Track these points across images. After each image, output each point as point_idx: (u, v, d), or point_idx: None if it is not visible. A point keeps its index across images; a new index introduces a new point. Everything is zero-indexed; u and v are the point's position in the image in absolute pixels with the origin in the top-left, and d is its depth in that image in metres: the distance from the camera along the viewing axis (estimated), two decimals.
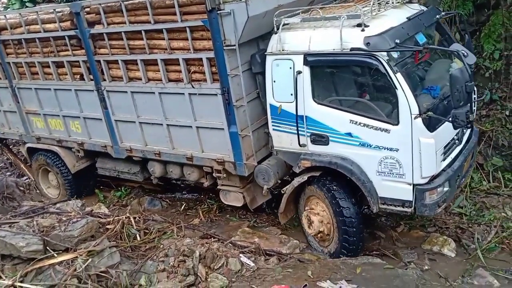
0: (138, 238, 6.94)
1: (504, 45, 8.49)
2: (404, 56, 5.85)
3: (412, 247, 7.04)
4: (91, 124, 8.60)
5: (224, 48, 6.34)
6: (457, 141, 6.41)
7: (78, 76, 8.35)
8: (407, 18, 6.19)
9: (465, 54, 5.24)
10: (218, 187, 7.72)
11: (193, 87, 6.83)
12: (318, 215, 6.72)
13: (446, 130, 5.97)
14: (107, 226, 6.85)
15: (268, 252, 6.82)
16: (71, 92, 8.52)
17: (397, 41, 5.62)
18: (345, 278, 5.54)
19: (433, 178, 5.91)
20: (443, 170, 6.08)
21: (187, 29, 6.60)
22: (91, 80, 8.12)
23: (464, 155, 6.48)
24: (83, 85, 8.28)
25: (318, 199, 6.67)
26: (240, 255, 6.38)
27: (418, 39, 6.21)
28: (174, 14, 6.63)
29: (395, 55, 5.68)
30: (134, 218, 7.27)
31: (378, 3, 6.18)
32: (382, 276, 5.60)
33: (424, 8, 6.74)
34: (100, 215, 7.54)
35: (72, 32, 7.89)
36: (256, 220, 8.38)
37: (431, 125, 5.68)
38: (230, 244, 6.89)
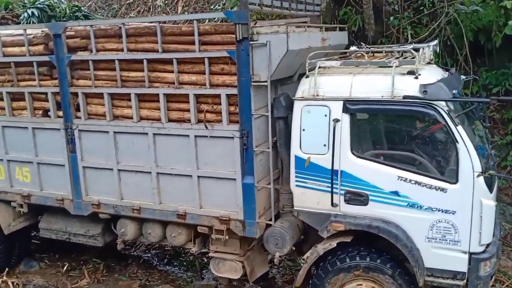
0: None
1: None
2: (459, 110, 5.35)
3: None
4: (47, 171, 7.04)
5: (252, 84, 5.49)
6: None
7: (41, 112, 6.93)
8: (449, 72, 5.81)
9: None
10: (210, 254, 6.43)
11: (207, 128, 5.76)
12: None
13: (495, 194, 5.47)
14: None
15: None
16: (26, 131, 7.00)
17: (454, 91, 5.16)
18: None
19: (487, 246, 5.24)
20: None
21: (206, 61, 5.68)
22: (59, 117, 6.74)
23: (498, 222, 5.94)
24: (47, 123, 6.85)
25: (370, 281, 5.51)
26: None
27: None
28: (190, 43, 5.73)
29: (452, 106, 5.18)
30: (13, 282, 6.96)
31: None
32: None
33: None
34: None
35: (44, 58, 6.61)
36: (147, 278, 7.74)
37: (490, 186, 5.11)
38: None
